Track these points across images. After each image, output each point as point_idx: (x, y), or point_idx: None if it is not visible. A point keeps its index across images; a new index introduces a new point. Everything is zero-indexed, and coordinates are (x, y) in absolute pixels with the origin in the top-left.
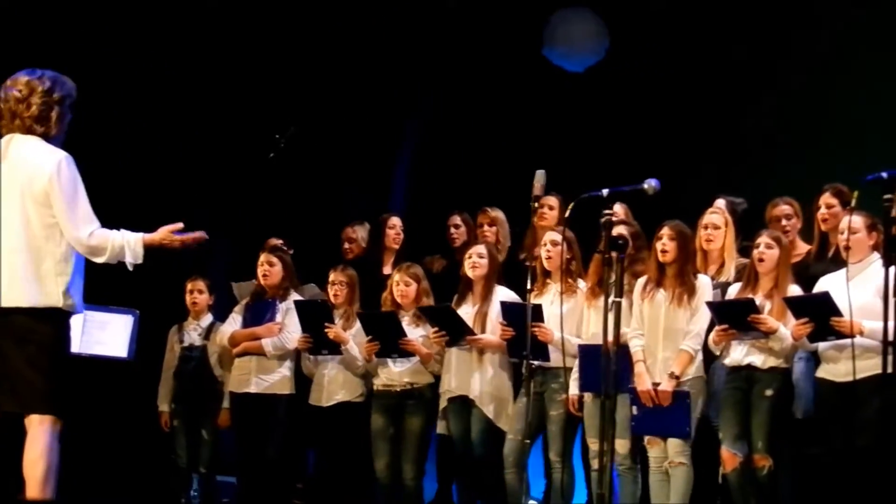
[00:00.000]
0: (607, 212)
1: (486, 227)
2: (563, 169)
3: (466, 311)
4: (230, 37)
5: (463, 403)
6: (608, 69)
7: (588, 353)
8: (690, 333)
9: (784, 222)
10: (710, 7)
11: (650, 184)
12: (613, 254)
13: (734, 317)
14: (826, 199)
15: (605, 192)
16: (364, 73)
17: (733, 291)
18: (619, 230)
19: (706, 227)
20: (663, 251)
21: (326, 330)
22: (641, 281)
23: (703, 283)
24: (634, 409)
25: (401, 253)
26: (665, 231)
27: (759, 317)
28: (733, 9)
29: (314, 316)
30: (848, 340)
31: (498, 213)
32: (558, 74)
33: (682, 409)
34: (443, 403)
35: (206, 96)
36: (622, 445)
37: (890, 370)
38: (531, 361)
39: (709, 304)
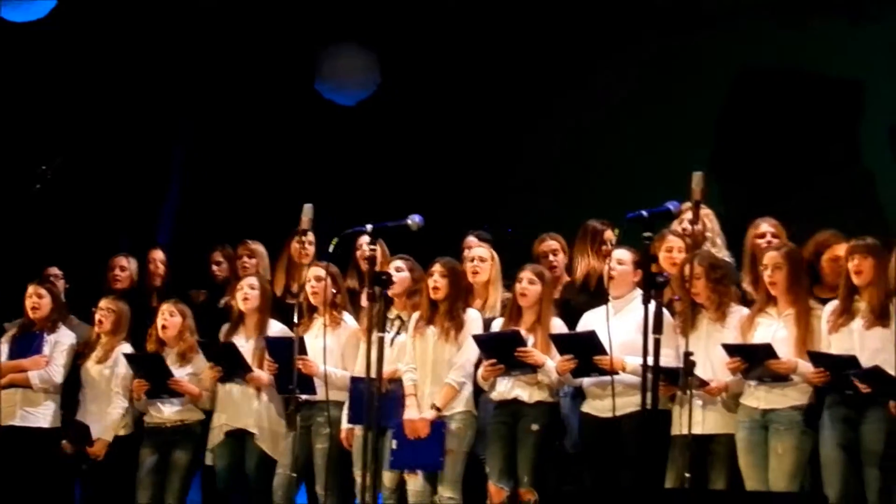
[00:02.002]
0: (373, 247)
1: (245, 259)
2: (333, 203)
3: (240, 345)
4: None
5: (238, 437)
6: (379, 103)
7: (359, 386)
8: (455, 367)
9: (551, 258)
10: (482, 43)
11: (414, 220)
12: (377, 289)
13: (501, 350)
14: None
15: (368, 227)
16: (131, 103)
17: (497, 326)
18: (396, 264)
19: (472, 260)
20: (434, 288)
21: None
22: (415, 317)
23: (472, 317)
24: (394, 444)
25: (165, 287)
26: (436, 268)
27: (525, 350)
28: (503, 48)
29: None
30: (610, 377)
31: (258, 246)
32: (329, 108)
33: (437, 439)
34: (219, 436)
35: None
36: (389, 479)
37: (649, 406)
38: (298, 395)
39: (475, 337)
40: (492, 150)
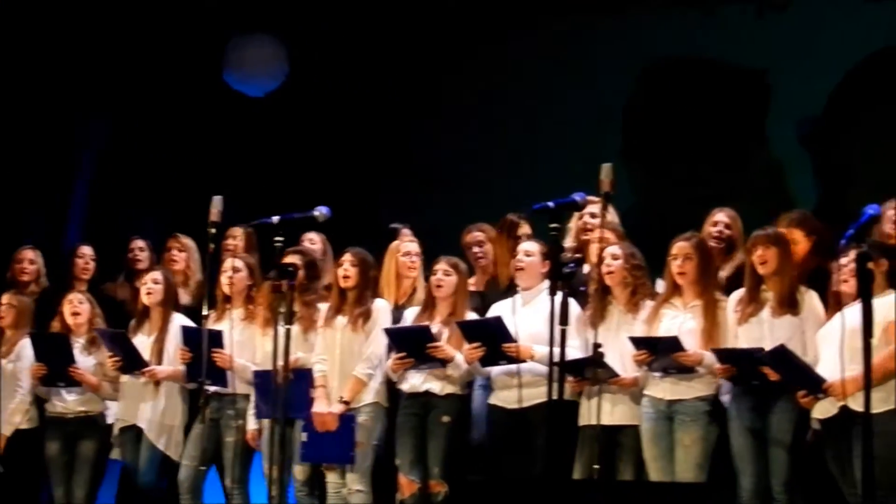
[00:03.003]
0: (278, 239)
1: (174, 253)
2: (243, 195)
3: (142, 341)
4: None
5: (135, 432)
6: (288, 94)
7: (263, 380)
8: (362, 358)
9: (476, 249)
10: (390, 34)
11: (321, 211)
12: (283, 281)
13: (411, 344)
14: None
15: (275, 219)
16: (33, 97)
17: (410, 316)
18: (291, 258)
19: (409, 255)
20: (345, 277)
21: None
22: (324, 307)
23: (380, 308)
24: (304, 436)
25: (93, 282)
26: (347, 257)
27: (435, 345)
28: (411, 38)
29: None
30: (517, 367)
31: (188, 241)
32: (238, 99)
33: (347, 433)
34: (115, 431)
35: None
36: (301, 472)
37: (556, 397)
38: (207, 387)
39: (386, 330)
40: (401, 142)
